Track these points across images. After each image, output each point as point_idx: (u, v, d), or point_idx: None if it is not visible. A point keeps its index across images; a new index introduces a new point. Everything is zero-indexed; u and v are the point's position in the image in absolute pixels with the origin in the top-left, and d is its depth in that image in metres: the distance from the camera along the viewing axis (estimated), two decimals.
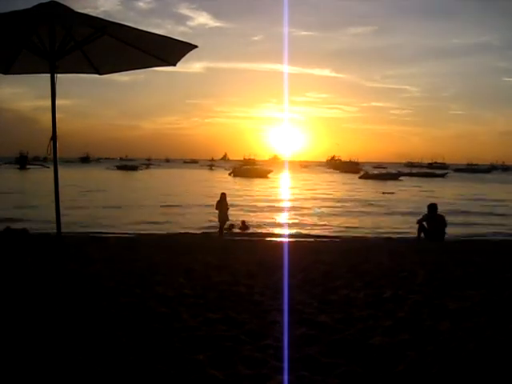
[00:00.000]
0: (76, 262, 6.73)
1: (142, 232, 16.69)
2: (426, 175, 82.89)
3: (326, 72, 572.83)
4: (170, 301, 4.75)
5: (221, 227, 16.47)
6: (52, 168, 4.61)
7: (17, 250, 8.53)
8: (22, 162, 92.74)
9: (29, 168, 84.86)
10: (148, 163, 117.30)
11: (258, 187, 48.94)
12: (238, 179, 63.61)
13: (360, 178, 67.79)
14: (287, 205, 31.16)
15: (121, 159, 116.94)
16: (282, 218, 24.69)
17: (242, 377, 3.00)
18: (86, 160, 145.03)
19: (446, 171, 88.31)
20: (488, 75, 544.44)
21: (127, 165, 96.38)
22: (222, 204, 16.42)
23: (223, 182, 56.40)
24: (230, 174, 72.07)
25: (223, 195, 16.60)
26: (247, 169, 74.44)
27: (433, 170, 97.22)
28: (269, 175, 70.80)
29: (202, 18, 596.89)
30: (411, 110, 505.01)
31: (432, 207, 13.60)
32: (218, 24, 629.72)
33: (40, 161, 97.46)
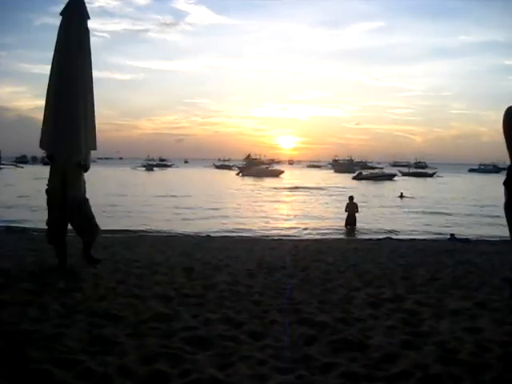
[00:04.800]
0: (76, 261, 6.72)
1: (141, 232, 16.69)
2: (418, 175, 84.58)
3: (328, 71, 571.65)
4: (170, 301, 4.75)
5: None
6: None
7: (17, 249, 8.54)
8: None
9: (1, 168, 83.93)
10: (169, 163, 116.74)
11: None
12: (249, 178, 65.42)
13: (353, 178, 67.68)
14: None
15: (148, 160, 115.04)
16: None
17: (242, 377, 3.00)
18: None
19: (434, 171, 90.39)
20: (492, 74, 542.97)
21: (160, 164, 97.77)
22: (350, 206, 18.03)
23: None
24: (237, 174, 73.47)
25: (350, 198, 18.30)
26: (260, 169, 75.80)
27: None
28: (281, 175, 72.95)
29: (202, 14, 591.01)
30: (413, 110, 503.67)
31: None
32: (218, 20, 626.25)
33: (13, 160, 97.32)
